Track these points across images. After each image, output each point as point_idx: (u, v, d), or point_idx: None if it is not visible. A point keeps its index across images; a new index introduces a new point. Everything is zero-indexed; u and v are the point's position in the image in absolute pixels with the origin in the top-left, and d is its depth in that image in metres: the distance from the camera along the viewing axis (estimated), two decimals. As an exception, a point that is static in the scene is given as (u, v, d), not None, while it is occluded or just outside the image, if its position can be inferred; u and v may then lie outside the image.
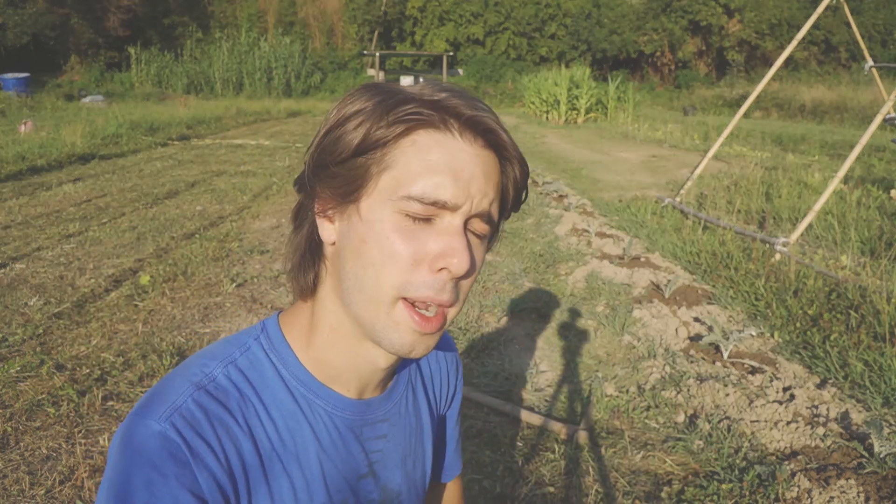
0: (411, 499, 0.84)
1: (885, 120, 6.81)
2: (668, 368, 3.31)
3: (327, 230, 0.69)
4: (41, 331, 3.67)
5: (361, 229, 0.64)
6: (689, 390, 3.09)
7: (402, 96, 0.64)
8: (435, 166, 0.62)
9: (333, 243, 0.69)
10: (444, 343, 0.95)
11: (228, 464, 0.65)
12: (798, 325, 3.81)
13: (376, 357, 0.71)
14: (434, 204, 0.62)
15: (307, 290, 0.72)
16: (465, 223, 0.65)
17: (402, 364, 0.83)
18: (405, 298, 0.64)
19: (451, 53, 32.22)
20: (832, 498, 2.26)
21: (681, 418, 2.89)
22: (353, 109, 0.64)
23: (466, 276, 0.65)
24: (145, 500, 0.60)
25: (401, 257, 0.62)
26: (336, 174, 0.65)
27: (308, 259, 0.72)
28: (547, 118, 21.52)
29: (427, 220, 0.63)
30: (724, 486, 2.38)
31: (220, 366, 0.69)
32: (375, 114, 0.63)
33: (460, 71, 35.06)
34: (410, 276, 0.63)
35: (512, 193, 0.70)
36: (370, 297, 0.65)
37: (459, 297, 0.66)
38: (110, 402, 2.95)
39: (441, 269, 0.63)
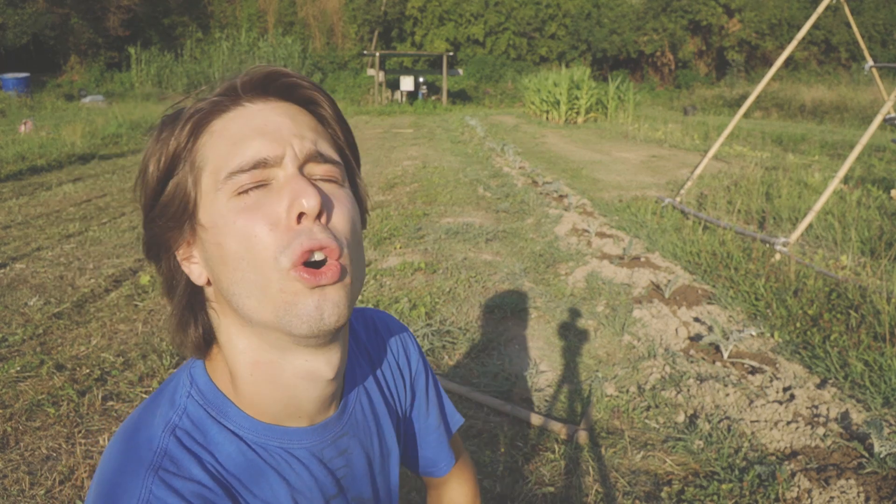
0: (383, 499, 0.82)
1: (885, 120, 6.81)
2: (668, 368, 3.31)
3: (196, 271, 0.65)
4: (41, 331, 3.67)
5: (214, 236, 0.62)
6: (689, 390, 3.09)
7: (181, 109, 0.65)
8: (240, 136, 0.61)
9: (208, 281, 0.65)
10: (391, 337, 0.91)
11: None
12: (798, 325, 3.81)
13: (317, 368, 0.66)
14: (256, 165, 0.60)
15: (201, 345, 0.69)
16: (301, 171, 0.62)
17: (348, 374, 0.79)
18: (290, 268, 0.59)
19: (451, 53, 32.20)
20: (832, 498, 2.26)
21: (681, 418, 2.90)
22: (146, 151, 0.65)
23: (328, 213, 0.62)
24: None
25: (259, 231, 0.59)
26: (163, 212, 0.64)
27: (187, 315, 0.68)
28: (547, 118, 21.52)
29: (262, 186, 0.61)
30: (724, 486, 2.38)
31: (165, 436, 0.63)
32: (164, 135, 0.63)
33: (460, 71, 35.05)
34: (278, 240, 0.59)
35: (335, 127, 0.69)
36: (259, 289, 0.60)
37: (341, 240, 0.62)
38: (110, 402, 2.95)
39: (299, 217, 0.60)
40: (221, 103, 0.63)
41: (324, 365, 0.66)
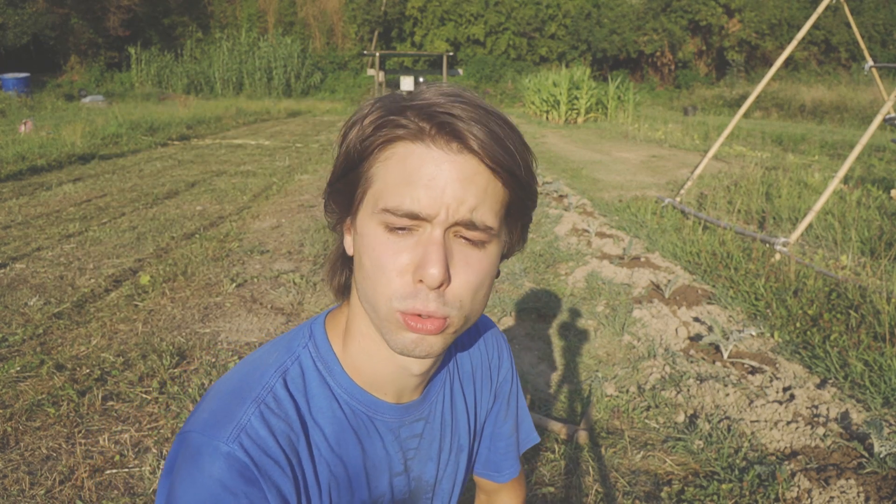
0: (446, 487, 0.88)
1: (885, 120, 6.81)
2: (668, 368, 3.31)
3: (348, 242, 0.73)
4: (41, 331, 3.67)
5: (359, 242, 0.68)
6: (689, 390, 3.09)
7: (390, 109, 0.65)
8: (408, 178, 0.63)
9: (353, 254, 0.72)
10: (491, 341, 0.97)
11: (294, 478, 0.68)
12: (798, 325, 3.81)
13: (407, 364, 0.74)
14: (408, 216, 0.63)
15: (339, 291, 0.78)
16: (449, 232, 0.64)
17: (440, 366, 0.85)
18: (399, 312, 0.66)
19: (451, 53, 32.21)
20: (832, 498, 2.26)
21: (681, 418, 2.90)
22: (348, 127, 0.68)
23: (451, 282, 0.65)
24: None
25: (386, 269, 0.64)
26: (338, 190, 0.70)
27: (338, 266, 0.77)
28: (547, 118, 21.52)
29: (409, 230, 0.64)
30: (724, 486, 2.38)
31: (275, 377, 0.72)
32: (361, 131, 0.66)
33: (460, 71, 35.06)
34: (397, 287, 0.64)
35: (514, 188, 0.68)
36: (374, 305, 0.67)
37: (453, 305, 0.65)
38: (110, 402, 2.95)
39: (420, 280, 0.64)
40: (412, 129, 0.63)
41: (414, 365, 0.74)
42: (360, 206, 0.68)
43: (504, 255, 0.73)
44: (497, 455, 1.01)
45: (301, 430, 0.70)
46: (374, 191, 0.65)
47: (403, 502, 0.82)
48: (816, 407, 2.89)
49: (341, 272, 0.77)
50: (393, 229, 0.64)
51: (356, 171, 0.67)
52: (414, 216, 0.63)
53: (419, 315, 0.65)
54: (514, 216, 0.71)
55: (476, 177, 0.64)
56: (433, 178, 0.62)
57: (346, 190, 0.69)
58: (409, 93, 0.68)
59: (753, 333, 3.50)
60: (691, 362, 3.40)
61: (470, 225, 0.64)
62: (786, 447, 2.64)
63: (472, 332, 0.95)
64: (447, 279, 0.64)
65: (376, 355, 0.74)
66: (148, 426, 2.77)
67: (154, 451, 2.58)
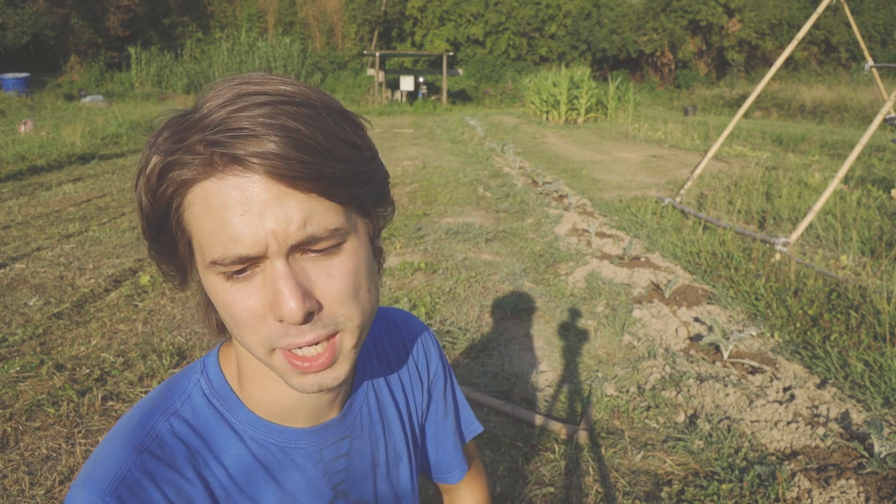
0: (389, 503, 0.82)
1: (885, 120, 6.81)
2: (668, 368, 3.31)
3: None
4: (41, 331, 3.67)
5: (209, 294, 0.61)
6: (689, 390, 3.09)
7: (169, 147, 0.55)
8: (219, 220, 0.54)
9: None
10: (412, 338, 0.90)
11: None
12: (798, 325, 3.81)
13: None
14: (238, 261, 0.55)
15: (220, 329, 0.68)
16: (293, 255, 0.57)
17: (358, 375, 0.79)
18: (280, 354, 0.59)
19: (451, 53, 32.20)
20: (832, 498, 2.26)
21: (681, 418, 2.89)
22: (136, 179, 0.59)
23: (317, 304, 0.58)
24: None
25: (243, 319, 0.58)
26: (159, 251, 0.62)
27: (209, 307, 0.68)
28: (547, 118, 21.52)
29: (249, 272, 0.57)
30: (724, 486, 2.38)
31: (162, 419, 0.66)
32: (148, 184, 0.57)
33: (460, 71, 35.05)
34: (263, 331, 0.58)
35: (337, 187, 0.57)
36: (252, 352, 0.61)
37: (334, 323, 0.59)
38: (110, 402, 2.95)
39: (281, 320, 0.57)
40: (198, 168, 0.54)
41: (329, 381, 0.63)
42: (191, 259, 0.60)
43: (374, 234, 0.65)
44: (446, 456, 0.95)
45: (194, 475, 0.64)
46: (196, 242, 0.58)
47: None
48: (816, 407, 2.89)
49: (214, 312, 0.67)
50: (232, 277, 0.57)
51: (166, 230, 0.59)
52: (244, 260, 0.55)
53: (302, 356, 0.59)
54: (358, 198, 0.60)
55: (288, 191, 0.54)
56: (245, 212, 0.54)
57: (167, 249, 0.61)
58: (197, 101, 0.57)
59: (753, 333, 3.50)
60: (691, 362, 3.40)
61: (310, 241, 0.56)
62: (786, 447, 2.64)
63: (392, 333, 0.88)
64: (315, 304, 0.57)
65: (276, 389, 0.67)
66: (148, 426, 2.77)
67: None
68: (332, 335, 0.60)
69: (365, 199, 0.61)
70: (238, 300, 0.57)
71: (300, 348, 0.59)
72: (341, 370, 0.61)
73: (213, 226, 0.55)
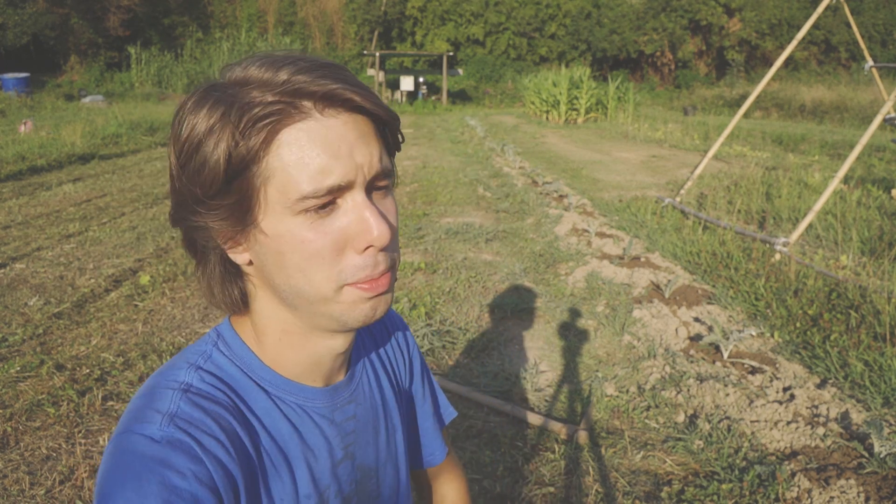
0: (389, 471, 0.84)
1: (885, 120, 6.81)
2: (668, 368, 3.31)
3: (238, 255, 0.66)
4: (41, 331, 3.67)
5: (275, 244, 0.63)
6: (689, 390, 3.09)
7: (245, 99, 0.60)
8: (311, 157, 0.60)
9: (250, 262, 0.67)
10: (392, 322, 0.94)
11: (237, 456, 0.64)
12: (798, 325, 3.81)
13: (333, 344, 0.71)
14: (330, 192, 0.61)
15: (236, 306, 0.70)
16: (369, 195, 0.64)
17: (356, 346, 0.83)
18: (352, 284, 0.64)
19: (451, 53, 32.19)
20: (832, 498, 2.26)
21: (681, 418, 2.89)
22: (201, 128, 0.60)
23: (392, 237, 0.66)
24: (165, 498, 0.56)
25: (324, 253, 0.62)
26: (217, 205, 0.62)
27: (228, 280, 0.69)
28: (547, 118, 21.52)
29: (330, 208, 0.62)
30: (724, 486, 2.38)
31: (190, 372, 0.67)
32: (227, 129, 0.59)
33: (460, 71, 35.05)
34: (342, 264, 0.63)
35: (391, 138, 0.69)
36: (313, 297, 0.64)
37: (395, 258, 0.67)
38: (110, 402, 2.95)
39: (367, 248, 0.63)
40: (287, 111, 0.60)
41: (342, 342, 0.72)
42: (263, 209, 0.62)
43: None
44: (427, 437, 0.98)
45: (236, 412, 0.66)
46: (277, 186, 0.61)
47: (351, 493, 0.77)
48: (816, 407, 2.89)
49: (232, 286, 0.69)
50: (315, 213, 0.61)
51: (241, 179, 0.61)
52: (335, 190, 0.61)
53: (372, 280, 0.64)
54: (391, 147, 0.70)
55: (367, 129, 0.64)
56: (338, 147, 0.61)
57: (230, 204, 0.62)
58: (238, 73, 0.62)
59: (753, 333, 3.50)
60: (691, 362, 3.40)
61: (382, 174, 0.65)
62: (786, 447, 2.64)
63: None
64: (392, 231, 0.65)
65: (301, 346, 0.71)
66: (148, 426, 2.77)
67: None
68: (390, 269, 0.67)
69: (395, 147, 0.71)
70: (321, 235, 0.62)
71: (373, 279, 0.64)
72: (390, 298, 0.68)
73: (306, 162, 0.60)
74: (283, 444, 0.70)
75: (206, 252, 0.68)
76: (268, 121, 0.60)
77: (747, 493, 2.34)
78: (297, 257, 0.62)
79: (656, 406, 3.00)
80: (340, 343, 0.72)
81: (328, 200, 0.61)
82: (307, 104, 0.60)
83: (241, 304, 0.71)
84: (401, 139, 0.71)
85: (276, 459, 0.69)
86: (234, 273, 0.69)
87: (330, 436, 0.74)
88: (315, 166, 0.60)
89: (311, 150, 0.60)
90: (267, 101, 0.60)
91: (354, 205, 0.63)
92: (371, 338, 0.89)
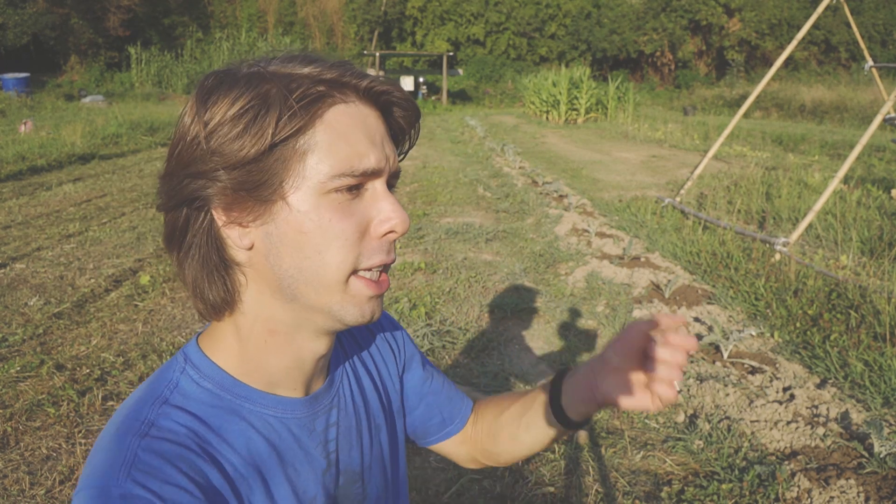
0: (375, 472, 0.83)
1: (885, 120, 6.81)
2: (668, 368, 3.31)
3: (239, 238, 0.64)
4: (41, 331, 3.67)
5: (298, 220, 0.62)
6: (689, 390, 3.09)
7: (295, 80, 0.62)
8: (353, 139, 0.63)
9: (251, 247, 0.65)
10: (377, 323, 0.93)
11: (204, 496, 0.60)
12: (798, 325, 3.81)
13: (318, 347, 0.71)
14: (364, 174, 0.64)
15: (221, 307, 0.67)
16: (389, 187, 0.68)
17: (334, 350, 0.82)
18: (355, 272, 0.65)
19: (452, 53, 32.19)
20: (832, 498, 2.26)
21: (681, 418, 2.90)
22: (249, 96, 0.60)
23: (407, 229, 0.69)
24: None
25: (347, 234, 0.63)
26: (240, 178, 0.61)
27: (215, 272, 0.66)
28: (547, 118, 21.51)
29: (356, 190, 0.64)
30: (724, 486, 2.38)
31: (153, 409, 0.63)
32: (277, 98, 0.60)
33: (460, 71, 35.07)
34: (360, 248, 0.65)
35: (407, 147, 0.75)
36: (320, 283, 0.64)
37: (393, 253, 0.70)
38: (110, 402, 2.95)
39: (386, 234, 0.66)
40: (333, 93, 0.63)
41: (326, 344, 0.72)
42: (295, 182, 0.62)
43: None
44: (451, 403, 0.98)
45: (202, 452, 0.63)
46: (316, 160, 0.62)
47: (336, 498, 0.76)
48: (816, 407, 2.89)
49: (218, 280, 0.66)
50: (345, 193, 0.63)
51: (284, 146, 0.61)
52: (369, 174, 0.64)
53: (381, 273, 0.67)
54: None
55: (383, 125, 0.68)
56: (374, 135, 0.65)
57: (258, 175, 0.61)
58: (278, 64, 0.65)
59: (753, 333, 3.50)
60: (691, 362, 3.40)
61: (397, 174, 0.69)
62: (786, 447, 2.64)
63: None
64: None
65: (286, 348, 0.69)
66: (148, 426, 2.77)
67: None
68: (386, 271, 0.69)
69: None
70: (346, 216, 0.63)
71: (369, 270, 0.66)
72: (382, 307, 0.71)
73: (349, 141, 0.63)
74: (260, 465, 0.67)
75: (193, 241, 0.66)
76: (317, 97, 0.62)
77: (747, 493, 2.34)
78: (319, 237, 0.63)
79: (656, 406, 3.00)
80: (325, 345, 0.71)
81: (359, 182, 0.64)
82: (351, 94, 0.65)
83: (224, 304, 0.67)
84: (406, 151, 0.75)
85: (253, 483, 0.66)
86: (222, 265, 0.66)
87: (310, 447, 0.72)
88: (356, 147, 0.63)
89: (354, 132, 0.64)
90: (316, 81, 0.63)
91: (379, 192, 0.66)
92: (352, 339, 0.88)
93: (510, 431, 0.93)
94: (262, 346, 0.69)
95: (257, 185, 0.62)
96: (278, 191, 0.62)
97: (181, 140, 0.63)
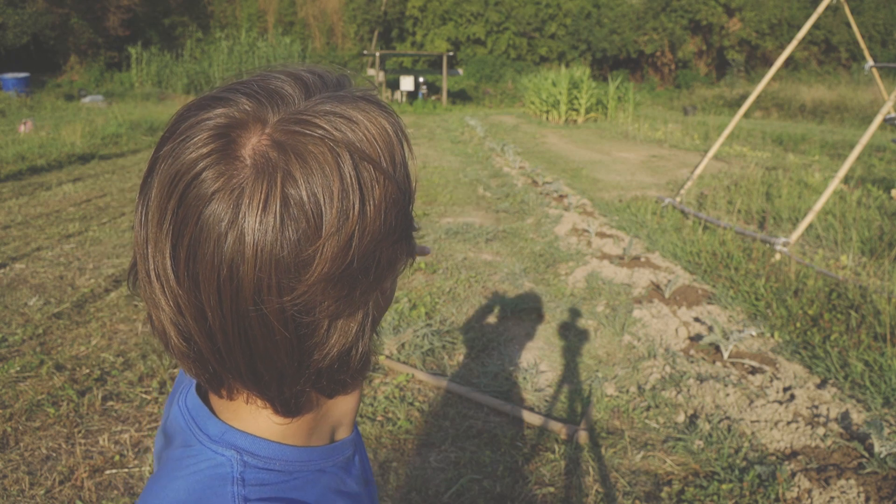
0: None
1: (885, 120, 6.81)
2: (668, 368, 3.31)
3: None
4: (41, 331, 3.67)
5: (386, 293, 0.58)
6: (689, 390, 3.09)
7: (392, 121, 0.55)
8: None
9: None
10: None
11: None
12: (798, 325, 3.81)
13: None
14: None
15: (296, 403, 0.56)
16: None
17: None
18: None
19: (452, 53, 32.19)
20: (832, 498, 2.26)
21: (681, 418, 2.89)
22: (393, 133, 0.54)
23: None
24: None
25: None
26: (390, 234, 0.52)
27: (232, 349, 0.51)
28: (547, 118, 21.52)
29: None
30: (724, 486, 2.38)
31: (230, 490, 0.52)
32: (392, 160, 0.53)
33: (460, 71, 35.05)
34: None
35: None
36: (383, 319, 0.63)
37: None
38: (110, 402, 2.95)
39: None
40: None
41: None
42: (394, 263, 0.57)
43: None
44: None
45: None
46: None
47: None
48: (816, 407, 2.89)
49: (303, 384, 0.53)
50: None
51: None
52: None
53: None
54: None
55: None
56: None
57: (396, 229, 0.53)
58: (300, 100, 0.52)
59: (753, 333, 3.50)
60: (691, 362, 3.40)
61: None
62: (786, 447, 2.64)
63: None
64: None
65: (357, 394, 0.65)
66: (148, 426, 2.77)
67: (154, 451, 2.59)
68: None
69: None
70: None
71: None
72: None
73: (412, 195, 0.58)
74: None
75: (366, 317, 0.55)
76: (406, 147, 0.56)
77: (747, 493, 2.34)
78: (390, 297, 0.59)
79: (656, 406, 3.00)
80: None
81: None
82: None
83: (301, 400, 0.58)
84: None
85: None
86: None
87: (360, 480, 0.67)
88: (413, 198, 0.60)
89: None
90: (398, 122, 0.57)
91: None
92: None
93: None
94: (340, 400, 0.62)
95: (396, 239, 0.54)
96: (383, 275, 0.58)
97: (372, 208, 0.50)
